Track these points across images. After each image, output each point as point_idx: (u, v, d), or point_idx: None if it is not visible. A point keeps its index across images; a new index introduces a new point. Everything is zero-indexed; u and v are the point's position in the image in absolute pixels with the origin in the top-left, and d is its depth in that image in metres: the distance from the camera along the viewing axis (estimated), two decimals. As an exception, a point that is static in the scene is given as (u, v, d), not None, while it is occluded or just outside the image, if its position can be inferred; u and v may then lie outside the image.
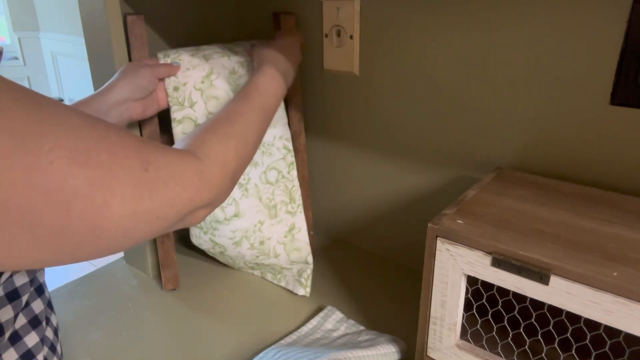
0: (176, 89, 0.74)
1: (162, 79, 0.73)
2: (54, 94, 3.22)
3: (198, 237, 0.80)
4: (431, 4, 0.70)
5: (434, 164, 0.78)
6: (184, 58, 0.75)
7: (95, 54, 0.78)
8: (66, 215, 0.31)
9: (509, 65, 0.65)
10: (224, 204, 0.76)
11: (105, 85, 0.67)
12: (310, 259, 0.81)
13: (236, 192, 0.77)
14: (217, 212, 0.76)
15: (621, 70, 0.56)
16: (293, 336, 0.68)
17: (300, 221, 0.80)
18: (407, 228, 0.85)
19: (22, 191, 0.29)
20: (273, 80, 0.63)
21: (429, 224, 0.52)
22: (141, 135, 0.76)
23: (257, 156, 0.78)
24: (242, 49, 0.79)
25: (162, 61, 0.74)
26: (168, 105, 0.74)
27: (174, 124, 0.74)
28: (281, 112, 0.79)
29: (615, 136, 0.59)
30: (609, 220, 0.51)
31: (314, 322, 0.71)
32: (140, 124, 0.76)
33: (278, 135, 0.78)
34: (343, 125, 0.89)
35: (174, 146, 0.46)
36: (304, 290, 0.80)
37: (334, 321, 0.71)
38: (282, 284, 0.82)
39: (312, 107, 0.92)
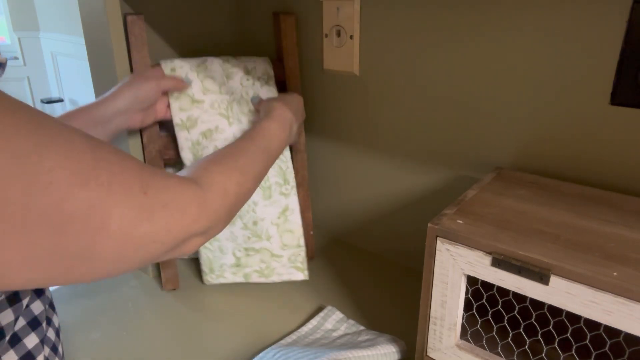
0: (173, 70, 0.75)
1: (165, 93, 0.74)
2: (54, 94, 3.22)
3: None
4: (432, 5, 0.70)
5: (434, 164, 0.78)
6: (185, 64, 0.76)
7: (95, 54, 0.78)
8: (62, 236, 0.31)
9: (509, 65, 0.65)
10: None
11: (108, 92, 0.67)
12: (302, 241, 0.79)
13: None
14: None
15: (621, 70, 0.56)
16: (293, 336, 0.68)
17: (293, 203, 0.79)
18: (407, 228, 0.85)
19: (20, 210, 0.28)
20: (279, 127, 0.66)
21: (429, 224, 0.52)
22: (142, 136, 0.77)
23: None
24: (243, 65, 0.80)
25: (166, 71, 0.75)
26: (165, 117, 0.75)
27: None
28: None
29: (615, 136, 0.59)
30: (609, 220, 0.51)
31: (314, 322, 0.71)
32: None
33: None
34: (343, 125, 0.89)
35: (178, 173, 0.46)
36: (302, 273, 0.79)
37: (334, 321, 0.71)
38: (274, 278, 0.80)
39: (312, 107, 0.92)
